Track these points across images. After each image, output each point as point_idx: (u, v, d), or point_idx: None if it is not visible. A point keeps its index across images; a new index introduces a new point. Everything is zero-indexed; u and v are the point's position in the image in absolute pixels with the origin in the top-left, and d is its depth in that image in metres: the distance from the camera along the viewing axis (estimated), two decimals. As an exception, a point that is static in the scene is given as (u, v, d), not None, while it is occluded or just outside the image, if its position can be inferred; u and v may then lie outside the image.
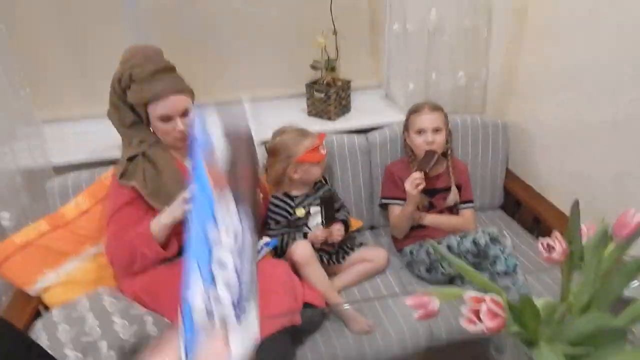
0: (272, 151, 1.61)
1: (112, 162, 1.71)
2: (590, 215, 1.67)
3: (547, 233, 1.75)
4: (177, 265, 1.37)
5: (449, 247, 1.51)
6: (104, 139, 1.81)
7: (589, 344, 0.60)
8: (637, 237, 0.67)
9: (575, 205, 0.70)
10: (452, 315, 1.43)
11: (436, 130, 1.70)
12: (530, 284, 1.48)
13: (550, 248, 0.65)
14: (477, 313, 0.60)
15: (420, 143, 1.70)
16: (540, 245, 0.66)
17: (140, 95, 1.39)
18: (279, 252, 1.57)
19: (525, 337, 0.65)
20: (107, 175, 1.59)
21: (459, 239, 1.49)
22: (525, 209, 1.94)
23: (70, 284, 1.44)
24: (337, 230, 1.59)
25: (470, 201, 1.79)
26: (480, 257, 1.45)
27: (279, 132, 1.63)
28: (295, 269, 1.41)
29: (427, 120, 1.70)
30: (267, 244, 1.38)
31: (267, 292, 1.21)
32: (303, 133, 1.59)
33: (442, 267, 1.54)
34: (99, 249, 1.51)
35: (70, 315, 1.26)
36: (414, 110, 1.76)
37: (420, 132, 1.71)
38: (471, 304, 0.61)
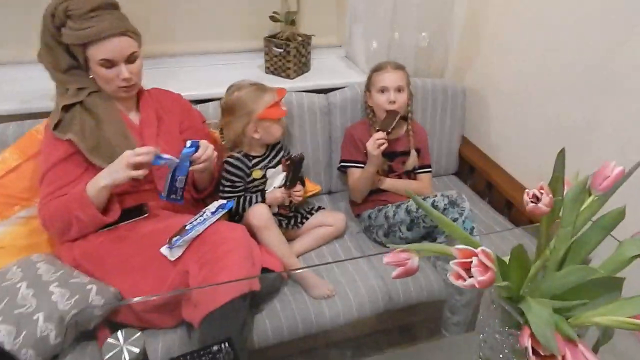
0: (229, 108, 1.50)
1: (46, 114, 1.53)
2: (537, 180, 1.72)
3: (499, 199, 1.81)
4: (121, 230, 1.26)
5: (409, 211, 1.49)
6: (37, 87, 1.61)
7: (575, 297, 0.59)
8: (615, 190, 0.66)
9: (561, 155, 0.67)
10: (410, 278, 1.44)
11: (398, 90, 1.66)
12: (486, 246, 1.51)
13: (536, 199, 0.62)
14: (465, 267, 0.56)
15: (382, 102, 1.65)
16: (525, 196, 0.63)
17: (77, 34, 1.22)
18: (235, 215, 1.49)
19: (509, 293, 0.63)
20: (40, 128, 1.42)
21: (419, 202, 1.48)
22: (478, 175, 1.97)
23: (-2, 249, 1.29)
24: (297, 191, 1.54)
25: (428, 166, 1.78)
26: (439, 221, 1.44)
27: (235, 88, 1.50)
28: (253, 233, 1.34)
29: (389, 78, 1.65)
30: (222, 206, 1.29)
31: (225, 256, 1.14)
32: (261, 88, 1.48)
33: (400, 231, 1.53)
34: (32, 212, 1.35)
35: (-1, 285, 1.12)
36: (377, 69, 1.70)
37: (382, 90, 1.66)
38: (460, 258, 0.57)
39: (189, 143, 1.27)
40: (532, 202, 0.62)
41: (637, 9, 1.28)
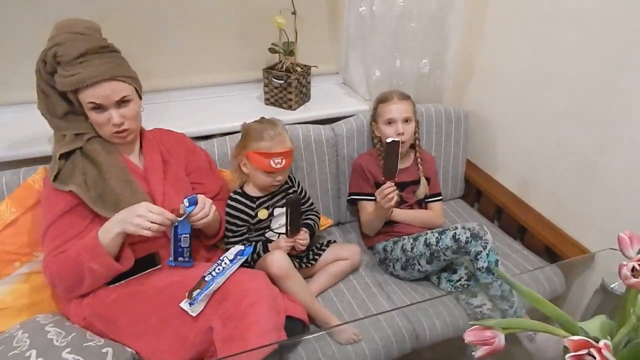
0: (242, 131, 1.50)
1: (38, 159, 1.45)
2: (549, 203, 1.71)
3: (510, 223, 1.80)
4: (134, 285, 1.19)
5: (428, 244, 1.46)
6: (24, 130, 1.53)
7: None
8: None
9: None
10: (435, 314, 1.40)
11: (406, 121, 1.63)
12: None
13: (636, 272, 0.59)
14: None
15: (390, 134, 1.62)
16: (624, 270, 0.59)
17: (65, 81, 1.16)
18: (250, 261, 1.42)
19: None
20: (37, 177, 1.34)
21: (438, 235, 1.44)
22: (486, 198, 1.95)
23: (-2, 312, 1.19)
24: (302, 239, 1.44)
25: (439, 194, 1.76)
26: (459, 254, 1.41)
27: (261, 119, 1.51)
28: (273, 280, 1.27)
29: (396, 110, 1.63)
30: (241, 253, 1.22)
31: (250, 311, 1.07)
32: (272, 135, 1.41)
33: (419, 264, 1.49)
34: (33, 267, 1.27)
35: (5, 354, 1.03)
36: (382, 100, 1.68)
37: (390, 122, 1.63)
38: (573, 350, 0.52)
39: (186, 202, 1.19)
40: (633, 276, 0.58)
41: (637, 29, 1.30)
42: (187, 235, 1.20)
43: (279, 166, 1.40)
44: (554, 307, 0.65)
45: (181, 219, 1.17)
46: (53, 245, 1.16)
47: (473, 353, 0.64)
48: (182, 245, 1.21)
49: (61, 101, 1.24)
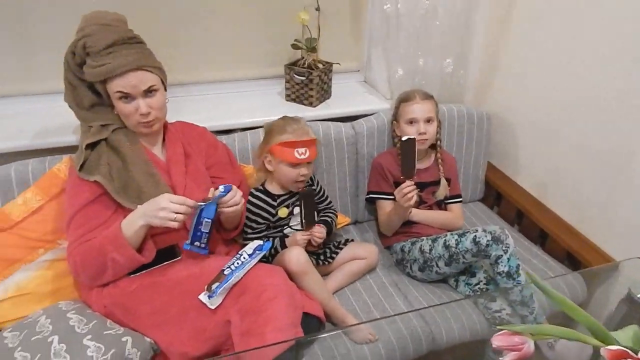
0: (265, 129, 1.51)
1: (62, 149, 1.47)
2: (571, 208, 1.68)
3: (531, 227, 1.77)
4: (154, 276, 1.20)
5: (447, 246, 1.44)
6: (49, 120, 1.55)
7: None
8: None
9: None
10: (452, 318, 1.38)
11: (428, 121, 1.62)
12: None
13: None
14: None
15: (412, 134, 1.60)
16: None
17: (94, 71, 1.18)
18: (267, 256, 1.43)
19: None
20: (62, 167, 1.36)
21: (457, 237, 1.43)
22: (506, 202, 1.92)
23: (22, 297, 1.22)
24: (318, 232, 1.45)
25: (459, 196, 1.74)
26: (479, 257, 1.40)
27: (283, 117, 1.51)
28: (291, 277, 1.27)
29: (418, 109, 1.61)
30: (260, 248, 1.23)
31: (268, 306, 1.07)
32: (295, 128, 1.42)
33: (437, 266, 1.48)
34: (56, 254, 1.29)
35: (28, 338, 1.05)
36: (405, 99, 1.66)
37: (411, 122, 1.62)
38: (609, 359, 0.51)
39: (221, 188, 1.22)
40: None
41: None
42: (210, 220, 1.20)
43: (303, 157, 1.39)
44: (587, 315, 0.64)
45: (207, 202, 1.18)
46: (77, 234, 1.18)
47: (501, 359, 0.63)
48: (202, 230, 1.21)
49: (88, 92, 1.27)
